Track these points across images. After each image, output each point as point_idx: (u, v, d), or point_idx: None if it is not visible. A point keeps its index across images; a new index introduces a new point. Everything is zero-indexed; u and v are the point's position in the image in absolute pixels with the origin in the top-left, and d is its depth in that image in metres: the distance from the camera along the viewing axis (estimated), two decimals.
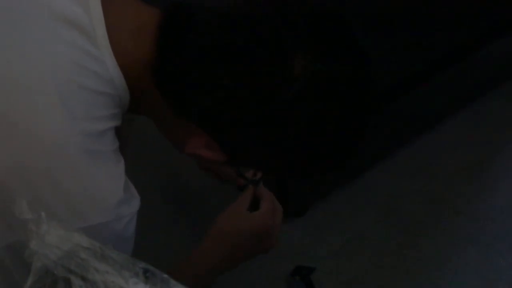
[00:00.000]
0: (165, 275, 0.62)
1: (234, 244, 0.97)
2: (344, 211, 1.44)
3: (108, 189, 0.71)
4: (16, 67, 0.68)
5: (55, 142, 0.67)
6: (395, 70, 1.44)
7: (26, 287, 0.58)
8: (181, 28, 0.71)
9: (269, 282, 1.33)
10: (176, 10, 0.73)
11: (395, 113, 1.48)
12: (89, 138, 0.69)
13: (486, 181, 1.51)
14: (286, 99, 0.69)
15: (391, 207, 1.45)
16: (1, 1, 0.71)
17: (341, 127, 0.74)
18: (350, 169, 1.49)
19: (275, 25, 0.69)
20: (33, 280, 0.58)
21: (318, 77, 0.70)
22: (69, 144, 0.68)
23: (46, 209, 0.67)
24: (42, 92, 0.68)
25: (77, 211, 0.69)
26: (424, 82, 1.49)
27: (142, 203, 0.78)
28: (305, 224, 1.42)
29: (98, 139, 0.70)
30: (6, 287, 0.71)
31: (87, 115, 0.69)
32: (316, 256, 1.36)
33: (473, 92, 1.63)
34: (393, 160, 1.52)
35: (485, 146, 1.56)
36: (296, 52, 0.69)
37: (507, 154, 1.55)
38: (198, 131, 0.75)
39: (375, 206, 1.45)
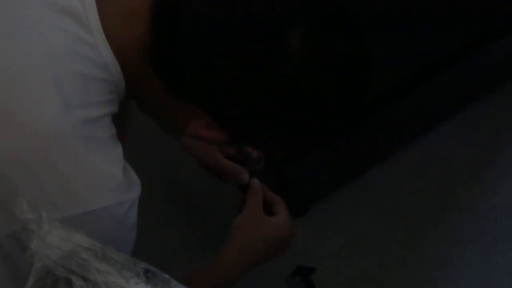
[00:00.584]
0: (166, 275, 0.62)
1: (260, 250, 0.98)
2: (344, 211, 1.44)
3: (107, 173, 0.71)
4: (10, 55, 0.68)
5: (51, 129, 0.67)
6: (396, 70, 1.44)
7: (27, 287, 0.58)
8: (174, 8, 0.71)
9: (270, 282, 1.33)
10: None
11: (395, 113, 1.48)
12: (85, 124, 0.69)
13: (487, 181, 1.51)
14: (283, 73, 0.70)
15: (392, 207, 1.45)
16: None
17: (339, 98, 0.74)
18: (350, 170, 1.49)
19: (269, 1, 0.69)
20: (34, 280, 0.58)
21: (314, 51, 0.70)
22: (65, 130, 0.68)
23: (46, 197, 0.67)
24: (37, 80, 0.68)
25: (77, 196, 0.69)
26: (425, 82, 1.49)
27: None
28: (306, 224, 1.42)
29: (94, 125, 0.71)
30: (8, 275, 0.71)
31: (82, 101, 0.69)
32: (317, 256, 1.36)
33: (474, 92, 1.63)
34: (393, 161, 1.52)
35: (486, 146, 1.56)
36: (291, 27, 0.69)
37: (508, 154, 1.55)
38: (197, 112, 0.75)
39: (375, 206, 1.45)
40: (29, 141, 0.67)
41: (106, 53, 0.71)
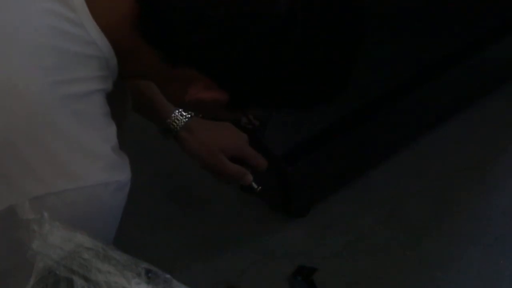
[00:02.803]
0: (168, 276, 0.62)
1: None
2: (346, 211, 1.44)
3: (95, 149, 0.70)
4: None
5: (37, 104, 0.67)
6: (396, 70, 1.44)
7: (29, 287, 0.58)
8: None
9: (271, 282, 1.33)
10: None
11: (396, 113, 1.48)
12: (73, 99, 0.69)
13: (489, 181, 1.50)
14: (275, 17, 0.69)
15: (393, 207, 1.45)
16: None
17: (336, 42, 0.73)
18: (352, 170, 1.49)
19: None
20: (35, 280, 0.58)
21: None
22: (51, 105, 0.68)
23: (32, 173, 0.67)
24: (21, 58, 0.68)
25: (64, 172, 0.68)
26: (426, 83, 1.49)
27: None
28: (307, 225, 1.42)
29: (83, 100, 0.70)
30: (8, 249, 0.71)
31: (69, 78, 0.69)
32: (318, 257, 1.36)
33: (474, 92, 1.63)
34: (395, 161, 1.52)
35: (488, 146, 1.56)
36: None
37: (509, 154, 1.55)
38: (195, 76, 0.74)
39: (377, 206, 1.45)
40: (14, 118, 0.67)
41: (93, 31, 0.71)
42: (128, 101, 0.90)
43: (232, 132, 1.13)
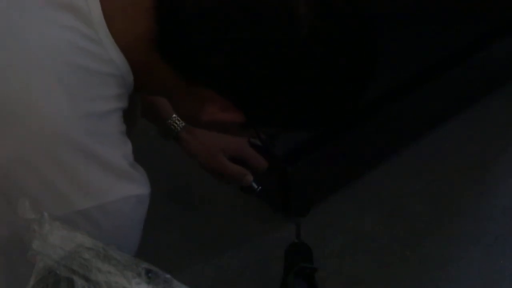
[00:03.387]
0: (168, 276, 0.61)
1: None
2: (346, 211, 1.44)
3: (116, 167, 0.70)
4: (11, 52, 0.68)
5: (57, 125, 0.67)
6: (396, 70, 1.44)
7: (29, 287, 0.58)
8: None
9: (271, 282, 1.32)
10: None
11: (396, 113, 1.48)
12: (92, 119, 0.69)
13: (489, 181, 1.50)
14: (295, 40, 0.69)
15: (393, 207, 1.45)
16: None
17: (351, 63, 0.74)
18: (352, 170, 1.49)
19: None
20: (35, 280, 0.58)
21: (323, 17, 0.70)
22: (71, 125, 0.67)
23: (54, 193, 0.67)
24: (40, 77, 0.67)
25: (86, 191, 0.68)
26: (426, 83, 1.49)
27: None
28: (307, 225, 1.42)
29: (102, 120, 0.70)
30: (9, 274, 0.71)
31: (88, 96, 0.69)
32: (319, 257, 1.36)
33: (475, 92, 1.63)
34: (395, 161, 1.52)
35: (488, 146, 1.56)
36: None
37: (509, 154, 1.55)
38: (212, 96, 0.74)
39: (378, 206, 1.45)
40: (35, 139, 0.67)
41: (111, 48, 0.71)
42: (137, 108, 0.90)
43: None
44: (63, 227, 0.60)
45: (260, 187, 1.17)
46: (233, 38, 0.69)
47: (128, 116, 0.76)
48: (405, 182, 1.49)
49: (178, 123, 1.08)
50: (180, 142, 1.10)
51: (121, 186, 0.70)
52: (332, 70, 0.73)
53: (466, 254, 1.36)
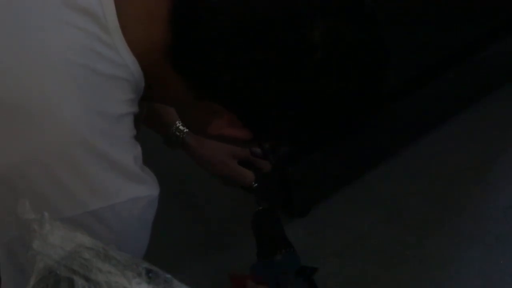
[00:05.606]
0: (168, 275, 0.61)
1: None
2: (347, 211, 1.44)
3: (127, 169, 0.71)
4: (29, 54, 0.68)
5: (70, 128, 0.67)
6: (396, 70, 1.44)
7: (29, 287, 0.58)
8: (193, 6, 0.71)
9: None
10: None
11: (398, 113, 1.48)
12: (105, 121, 0.69)
13: (489, 181, 1.50)
14: (308, 67, 0.70)
15: (394, 207, 1.45)
16: None
17: (362, 87, 0.75)
18: (352, 170, 1.49)
19: None
20: (35, 280, 0.58)
21: (337, 44, 0.71)
22: (85, 128, 0.68)
23: (67, 195, 0.67)
24: (54, 78, 0.68)
25: (97, 190, 0.69)
26: (426, 83, 1.49)
27: None
28: (308, 225, 1.42)
29: (115, 123, 0.71)
30: (14, 278, 0.71)
31: (103, 99, 0.69)
32: (319, 257, 1.36)
33: (475, 92, 1.63)
34: (396, 160, 1.52)
35: (489, 146, 1.56)
36: (313, 21, 0.69)
37: (510, 154, 1.55)
38: (220, 110, 0.74)
39: (378, 206, 1.45)
40: (48, 140, 0.67)
41: (125, 54, 0.71)
42: (142, 113, 0.91)
43: None
44: (64, 227, 0.60)
45: (256, 184, 1.18)
46: (246, 60, 0.70)
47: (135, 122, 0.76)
48: (405, 182, 1.49)
49: (182, 128, 1.08)
50: (188, 149, 1.10)
51: (131, 187, 0.71)
52: (340, 96, 0.74)
53: (466, 254, 1.36)
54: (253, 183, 1.18)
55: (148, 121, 1.05)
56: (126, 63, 0.71)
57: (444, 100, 1.57)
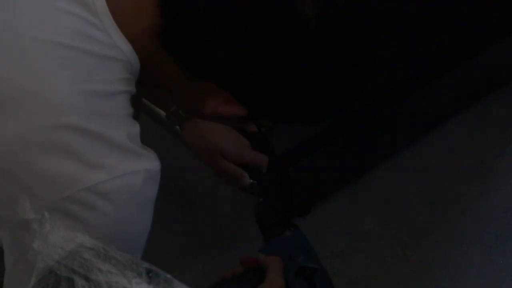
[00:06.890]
0: (168, 276, 0.61)
1: None
2: (347, 211, 1.44)
3: (122, 143, 0.71)
4: (16, 35, 0.69)
5: (62, 104, 0.68)
6: (397, 71, 1.44)
7: (29, 287, 0.58)
8: None
9: None
10: None
11: (398, 114, 1.48)
12: (98, 99, 0.70)
13: (489, 181, 1.51)
14: (300, 41, 0.70)
15: (394, 208, 1.45)
16: None
17: (353, 61, 0.75)
18: (352, 170, 1.49)
19: None
20: (36, 280, 0.58)
21: (330, 18, 0.71)
22: (77, 106, 0.68)
23: (66, 172, 0.67)
24: (45, 58, 0.69)
25: (93, 166, 0.69)
26: (426, 83, 1.49)
27: None
28: (308, 225, 1.42)
29: (108, 101, 0.71)
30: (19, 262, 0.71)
31: (94, 78, 0.70)
32: (319, 256, 1.36)
33: (475, 92, 1.63)
34: (396, 161, 1.52)
35: (489, 146, 1.56)
36: None
37: (510, 154, 1.55)
38: (215, 89, 0.75)
39: (378, 206, 1.45)
40: (41, 119, 0.68)
41: (116, 37, 0.72)
42: (141, 101, 0.91)
43: (233, 137, 1.13)
44: (64, 227, 0.60)
45: (255, 182, 1.18)
46: (238, 36, 0.70)
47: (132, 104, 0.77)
48: (406, 182, 1.49)
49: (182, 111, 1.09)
50: (183, 131, 1.11)
51: (128, 161, 0.71)
52: (335, 68, 0.74)
53: (466, 254, 1.36)
54: (251, 181, 1.18)
55: (148, 95, 1.06)
56: (117, 44, 0.72)
57: (444, 100, 1.57)
